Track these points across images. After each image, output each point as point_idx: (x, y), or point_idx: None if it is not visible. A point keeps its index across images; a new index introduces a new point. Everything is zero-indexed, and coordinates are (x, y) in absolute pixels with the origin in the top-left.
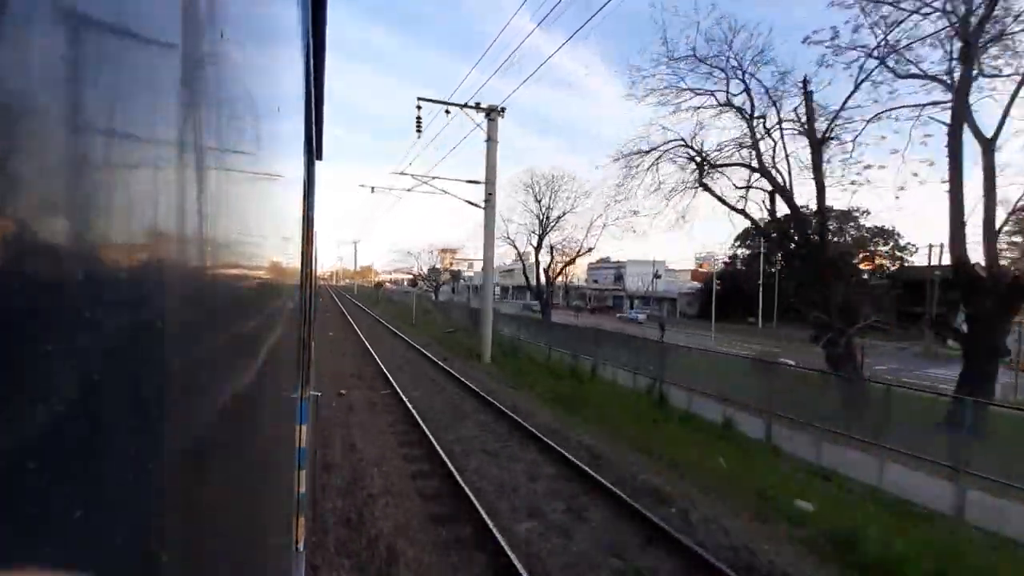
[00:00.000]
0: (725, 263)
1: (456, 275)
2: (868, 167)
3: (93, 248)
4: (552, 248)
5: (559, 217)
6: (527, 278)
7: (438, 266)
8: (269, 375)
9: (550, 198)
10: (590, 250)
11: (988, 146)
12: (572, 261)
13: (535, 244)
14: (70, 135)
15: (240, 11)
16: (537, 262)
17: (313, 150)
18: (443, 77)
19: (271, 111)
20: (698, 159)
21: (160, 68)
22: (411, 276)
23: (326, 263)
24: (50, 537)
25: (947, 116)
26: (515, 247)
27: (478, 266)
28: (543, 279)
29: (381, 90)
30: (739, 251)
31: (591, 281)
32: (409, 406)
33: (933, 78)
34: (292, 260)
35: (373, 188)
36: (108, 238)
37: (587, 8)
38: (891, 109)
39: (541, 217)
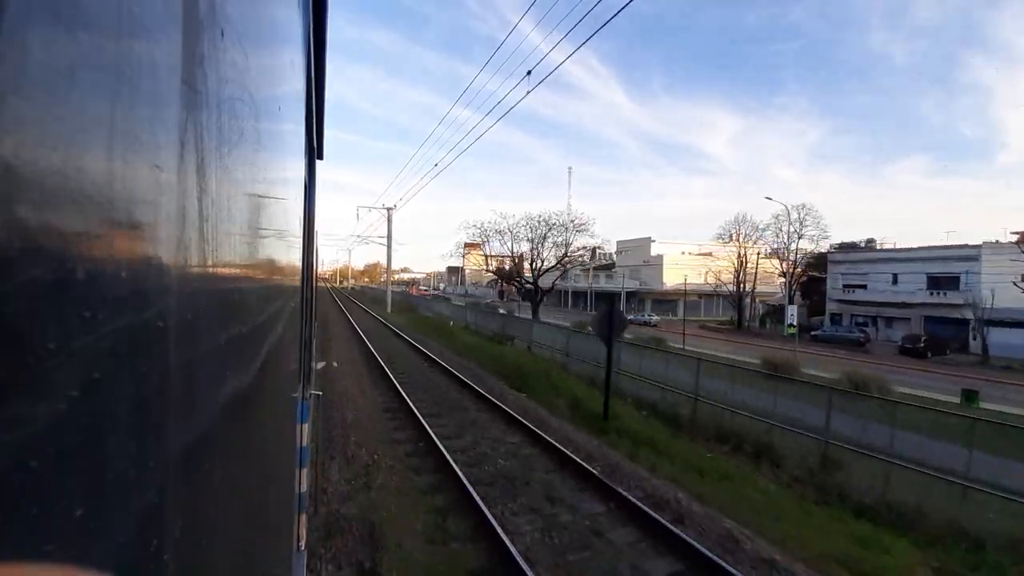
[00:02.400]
0: None
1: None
2: None
3: (93, 248)
4: None
5: None
6: None
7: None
8: (270, 374)
9: None
10: None
11: None
12: None
13: None
14: (70, 135)
15: (240, 11)
16: None
17: (313, 150)
18: (443, 77)
19: (271, 111)
20: None
21: (160, 68)
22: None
23: (330, 255)
24: (51, 536)
25: None
26: None
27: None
28: None
29: (381, 91)
30: None
31: (839, 287)
32: None
33: None
34: (293, 260)
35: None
36: (108, 238)
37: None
38: None
39: None
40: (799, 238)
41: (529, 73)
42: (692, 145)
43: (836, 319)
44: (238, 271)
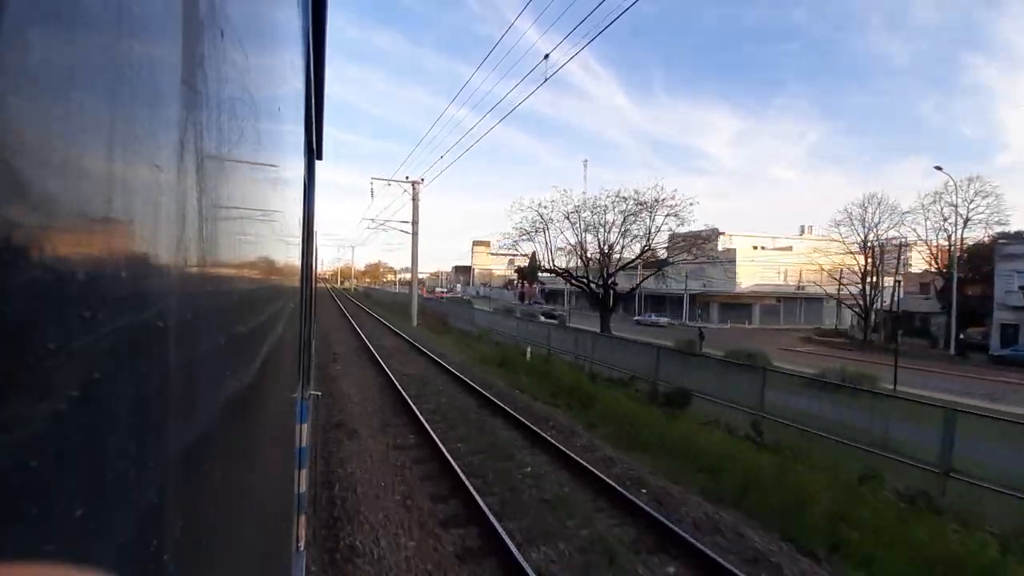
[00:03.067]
0: None
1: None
2: None
3: (93, 248)
4: None
5: None
6: None
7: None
8: (269, 375)
9: None
10: None
11: None
12: None
13: None
14: (70, 135)
15: (240, 11)
16: None
17: (313, 150)
18: (444, 77)
19: (271, 111)
20: None
21: (160, 68)
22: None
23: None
24: (51, 536)
25: None
26: None
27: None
28: None
29: (382, 90)
30: None
31: (1015, 288)
32: None
33: None
34: (292, 260)
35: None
36: (108, 238)
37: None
38: None
39: None
40: (965, 223)
41: (471, 128)
42: (692, 145)
43: (1009, 331)
44: (238, 271)
